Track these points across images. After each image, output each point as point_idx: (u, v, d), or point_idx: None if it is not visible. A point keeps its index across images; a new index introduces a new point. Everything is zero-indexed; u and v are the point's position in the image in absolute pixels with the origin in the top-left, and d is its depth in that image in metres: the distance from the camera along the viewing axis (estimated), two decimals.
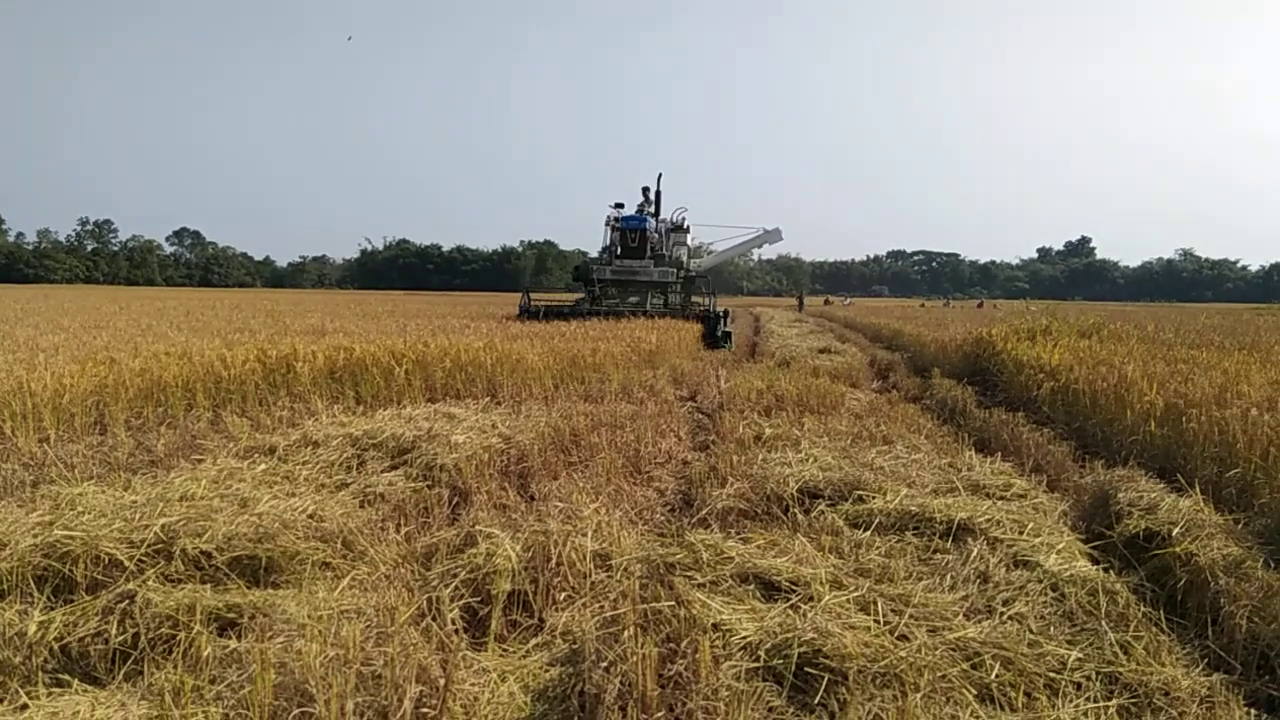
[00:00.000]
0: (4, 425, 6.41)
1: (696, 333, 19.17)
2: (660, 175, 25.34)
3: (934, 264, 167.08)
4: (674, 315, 20.29)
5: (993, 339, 13.94)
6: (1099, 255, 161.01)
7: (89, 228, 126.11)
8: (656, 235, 23.54)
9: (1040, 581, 4.05)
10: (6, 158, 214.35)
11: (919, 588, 3.94)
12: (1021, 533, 4.68)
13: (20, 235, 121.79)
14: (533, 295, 22.67)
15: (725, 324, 20.65)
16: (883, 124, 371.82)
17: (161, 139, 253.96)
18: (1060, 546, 4.47)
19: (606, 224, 24.10)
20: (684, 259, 24.61)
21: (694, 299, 24.19)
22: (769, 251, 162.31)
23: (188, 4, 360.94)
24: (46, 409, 6.76)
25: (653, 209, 24.92)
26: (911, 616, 3.62)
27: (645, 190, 25.08)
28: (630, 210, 24.59)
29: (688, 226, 25.31)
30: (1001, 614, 3.73)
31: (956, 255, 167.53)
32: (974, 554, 4.35)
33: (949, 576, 4.14)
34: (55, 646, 3.28)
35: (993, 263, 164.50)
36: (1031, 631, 3.59)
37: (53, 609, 3.48)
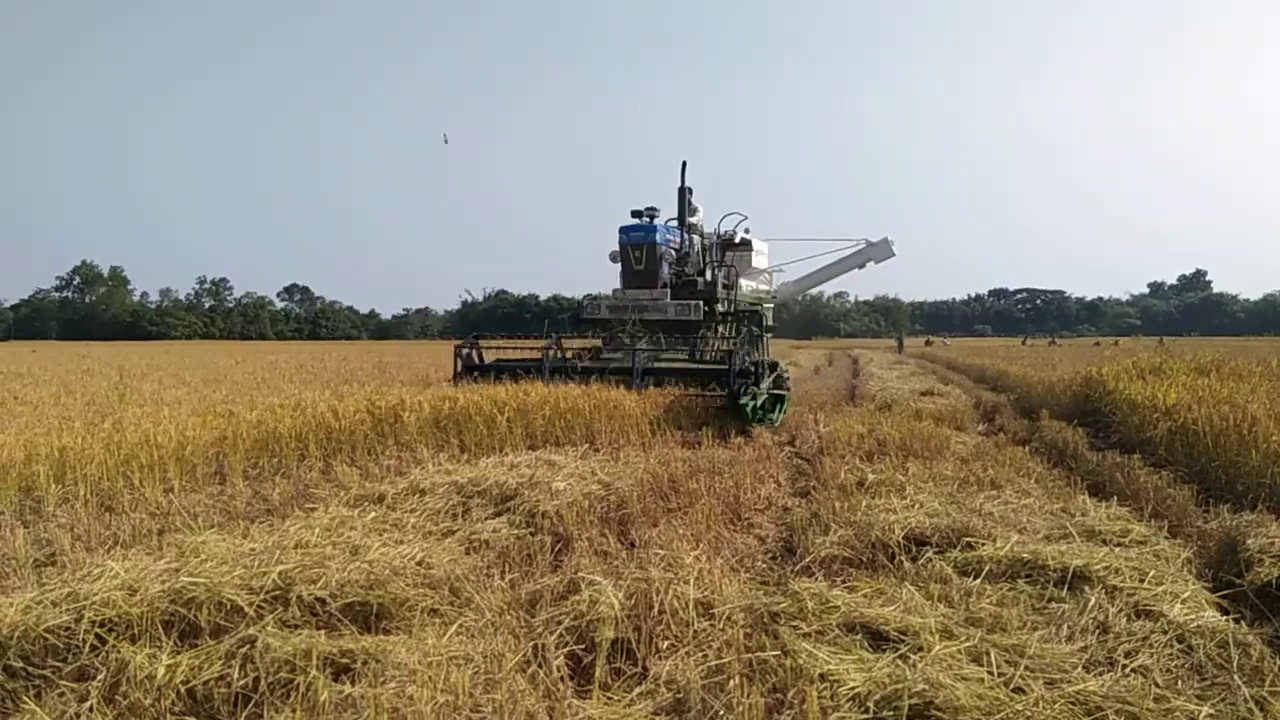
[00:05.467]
0: (133, 476, 6.75)
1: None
2: (685, 165, 15.32)
3: (1039, 301, 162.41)
4: (700, 379, 12.19)
5: (1103, 378, 13.45)
6: (1216, 289, 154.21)
7: (207, 286, 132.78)
8: (675, 252, 15.11)
9: (1165, 633, 3.87)
10: (134, 222, 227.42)
11: (1034, 638, 3.81)
12: (1142, 581, 4.48)
13: (145, 294, 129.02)
14: (484, 344, 14.24)
15: (763, 381, 12.88)
16: (984, 159, 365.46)
17: (273, 199, 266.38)
18: (1185, 595, 4.27)
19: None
20: (736, 285, 15.75)
21: (754, 339, 15.55)
22: (865, 290, 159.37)
23: (284, 73, 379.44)
24: (171, 460, 7.09)
25: (678, 216, 15.55)
26: (1027, 668, 3.50)
27: (681, 191, 15.57)
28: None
29: (743, 241, 16.50)
30: (1124, 666, 3.57)
31: (1062, 292, 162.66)
32: (1092, 603, 4.19)
33: (1065, 626, 3.99)
34: (182, 689, 3.40)
35: (1100, 299, 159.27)
36: (1157, 685, 3.43)
37: (179, 653, 3.62)
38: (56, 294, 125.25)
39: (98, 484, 6.50)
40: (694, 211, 15.77)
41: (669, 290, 14.60)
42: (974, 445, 9.84)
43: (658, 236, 14.58)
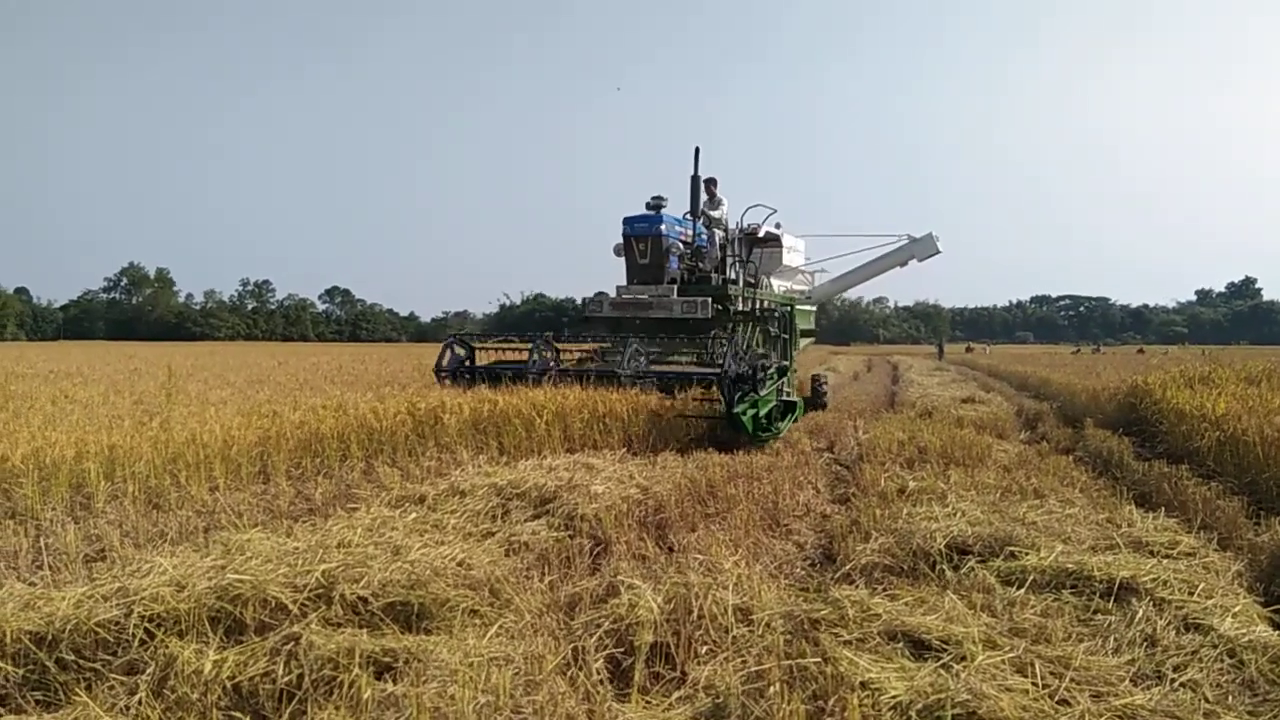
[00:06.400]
0: (180, 474, 6.85)
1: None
2: (698, 151, 13.34)
3: (1082, 309, 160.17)
4: (705, 383, 10.66)
5: (1150, 387, 13.24)
6: (1266, 296, 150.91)
7: (250, 288, 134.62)
8: (684, 245, 13.49)
9: (1215, 646, 3.80)
10: (180, 224, 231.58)
11: (1079, 650, 3.75)
12: (1191, 594, 4.40)
13: (190, 296, 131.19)
14: (477, 346, 13.12)
15: (764, 387, 11.01)
16: (1032, 159, 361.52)
17: (315, 203, 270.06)
18: (1236, 609, 4.18)
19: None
20: (761, 283, 14.53)
21: (773, 341, 13.77)
22: (905, 296, 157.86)
23: (328, 80, 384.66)
24: (216, 459, 7.19)
25: (690, 206, 13.62)
26: (1072, 680, 3.45)
27: (706, 182, 14.09)
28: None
29: (769, 236, 14.83)
30: (1172, 680, 3.51)
31: (1106, 299, 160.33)
32: (1139, 615, 4.12)
33: (1112, 639, 3.93)
34: (228, 684, 3.45)
35: (1146, 306, 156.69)
36: (1207, 700, 3.37)
37: (225, 648, 3.67)
38: (104, 295, 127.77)
39: (146, 481, 6.61)
40: (718, 204, 14.49)
41: (676, 286, 12.98)
42: (1016, 453, 9.73)
43: (663, 228, 13.02)
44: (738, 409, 10.04)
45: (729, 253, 14.00)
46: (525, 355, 11.97)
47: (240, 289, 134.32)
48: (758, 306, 13.88)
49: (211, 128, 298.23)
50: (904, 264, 17.54)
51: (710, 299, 12.55)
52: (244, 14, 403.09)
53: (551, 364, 11.71)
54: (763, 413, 10.76)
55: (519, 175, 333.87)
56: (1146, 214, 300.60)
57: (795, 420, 12.28)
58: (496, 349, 13.37)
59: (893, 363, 44.14)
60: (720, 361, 10.66)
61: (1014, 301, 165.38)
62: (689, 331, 12.53)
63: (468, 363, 12.45)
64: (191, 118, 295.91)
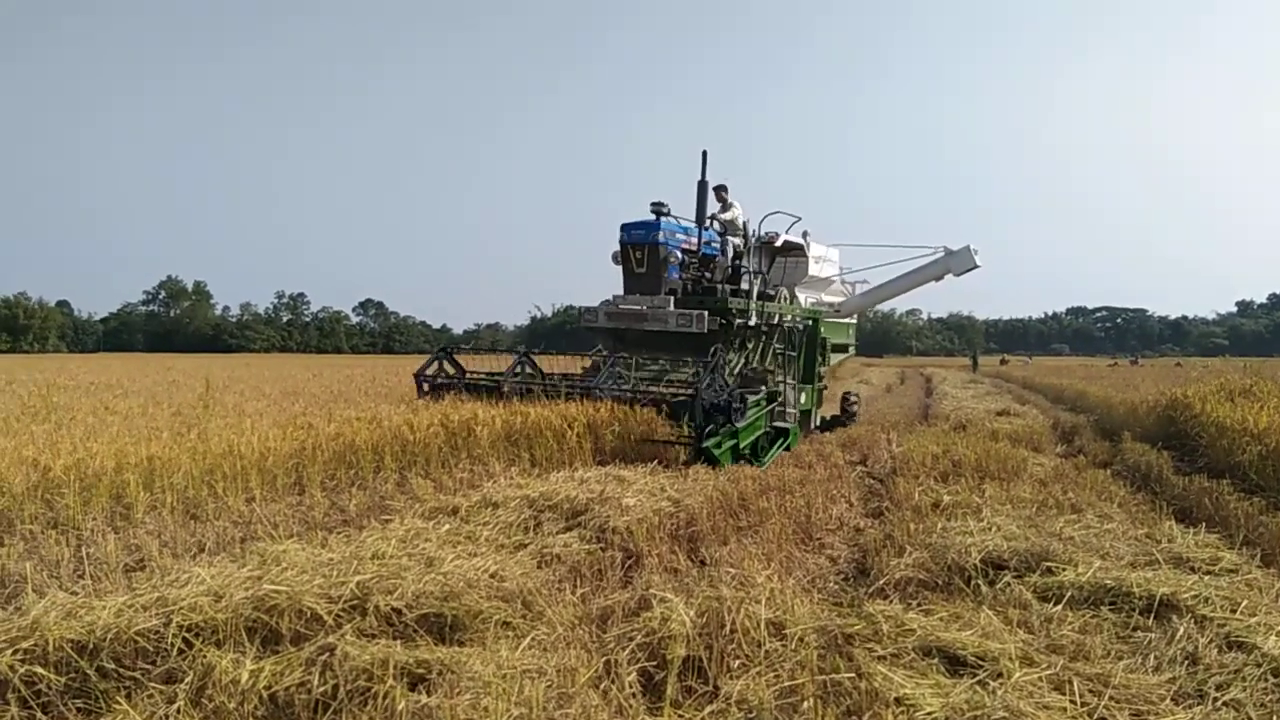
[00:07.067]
0: (217, 485, 6.94)
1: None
2: (705, 155, 12.16)
3: (1119, 320, 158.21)
4: (692, 408, 9.48)
5: (1189, 400, 13.03)
6: None
7: (285, 300, 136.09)
8: (686, 254, 12.39)
9: (1259, 665, 3.73)
10: (218, 237, 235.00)
11: (1119, 667, 3.70)
12: (1234, 611, 4.33)
13: (226, 308, 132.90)
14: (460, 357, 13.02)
15: (742, 417, 9.87)
16: (1066, 173, 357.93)
17: (349, 215, 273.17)
18: None
19: None
20: (780, 295, 13.52)
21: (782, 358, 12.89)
22: (938, 308, 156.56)
23: (361, 92, 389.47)
24: (253, 470, 7.26)
25: (696, 213, 12.41)
26: (1112, 698, 3.40)
27: (716, 188, 13.07)
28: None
29: (789, 244, 14.00)
30: (1215, 699, 3.45)
31: (1144, 311, 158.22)
32: (1180, 633, 4.05)
33: (1152, 656, 3.87)
34: (264, 694, 3.48)
35: (1184, 318, 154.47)
36: None
37: (262, 658, 3.71)
38: (143, 308, 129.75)
39: (184, 492, 6.69)
40: (729, 208, 13.45)
41: (673, 298, 11.97)
42: (1052, 467, 9.61)
43: (662, 235, 12.07)
44: (708, 443, 9.27)
45: (743, 263, 13.02)
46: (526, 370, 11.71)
47: (275, 301, 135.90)
48: (768, 321, 12.95)
49: (248, 148, 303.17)
50: (939, 278, 16.64)
51: (708, 312, 11.42)
52: (280, 30, 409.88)
53: (536, 382, 11.33)
54: (744, 443, 10.06)
55: (555, 188, 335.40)
56: (1186, 223, 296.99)
57: (788, 449, 11.36)
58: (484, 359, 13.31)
59: (926, 375, 43.82)
60: (695, 385, 9.78)
61: (1049, 313, 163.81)
62: (687, 347, 11.56)
63: (455, 376, 12.32)
64: (224, 133, 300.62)
